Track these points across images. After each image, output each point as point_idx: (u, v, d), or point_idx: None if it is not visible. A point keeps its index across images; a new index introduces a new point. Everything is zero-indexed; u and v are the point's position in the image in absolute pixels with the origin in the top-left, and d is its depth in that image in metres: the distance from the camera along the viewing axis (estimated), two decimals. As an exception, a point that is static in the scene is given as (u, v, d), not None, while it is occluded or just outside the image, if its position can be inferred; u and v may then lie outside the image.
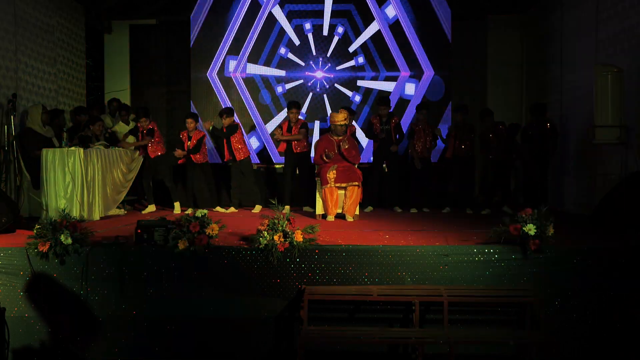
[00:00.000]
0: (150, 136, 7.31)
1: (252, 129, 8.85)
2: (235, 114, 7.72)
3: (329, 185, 6.34)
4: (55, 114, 7.15)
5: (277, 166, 8.62)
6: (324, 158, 6.48)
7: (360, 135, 8.30)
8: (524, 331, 4.11)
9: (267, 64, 8.77)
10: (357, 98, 8.69)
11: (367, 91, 8.73)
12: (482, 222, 5.88)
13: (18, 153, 6.55)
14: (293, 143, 7.49)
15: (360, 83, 8.74)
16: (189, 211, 4.35)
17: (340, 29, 8.71)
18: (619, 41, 6.09)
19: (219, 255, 4.26)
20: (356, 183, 6.36)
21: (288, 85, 8.79)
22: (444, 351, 4.01)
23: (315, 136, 8.58)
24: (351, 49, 8.71)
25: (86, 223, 4.54)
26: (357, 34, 8.70)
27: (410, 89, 8.67)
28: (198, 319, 4.26)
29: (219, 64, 8.79)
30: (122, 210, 7.13)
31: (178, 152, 7.46)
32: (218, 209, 7.54)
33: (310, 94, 8.79)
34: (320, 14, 8.74)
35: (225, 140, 7.54)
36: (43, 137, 6.61)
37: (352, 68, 8.74)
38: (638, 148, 5.60)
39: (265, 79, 8.80)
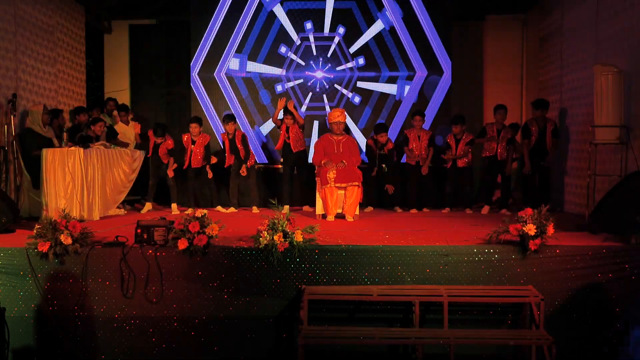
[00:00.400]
0: (172, 154, 7.42)
1: (251, 125, 8.84)
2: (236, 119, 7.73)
3: (329, 185, 6.35)
4: (54, 114, 7.15)
5: (277, 166, 8.62)
6: (324, 165, 6.49)
7: (358, 134, 8.30)
8: (524, 331, 4.11)
9: (267, 62, 8.76)
10: (357, 99, 8.69)
11: (367, 92, 8.73)
12: (482, 222, 5.89)
13: (18, 153, 6.56)
14: (292, 142, 7.49)
15: (360, 84, 8.73)
16: (189, 211, 4.35)
17: (341, 30, 8.70)
18: (619, 41, 6.09)
19: (219, 255, 4.26)
20: (356, 183, 6.36)
21: (288, 85, 8.79)
22: (444, 351, 4.01)
23: (314, 136, 8.59)
24: (352, 49, 8.71)
25: (86, 223, 4.54)
26: (358, 35, 8.69)
27: (405, 90, 8.68)
28: (198, 319, 4.26)
29: (219, 64, 8.78)
30: (122, 210, 7.14)
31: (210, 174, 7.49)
32: (219, 208, 7.55)
33: (310, 93, 8.79)
34: (321, 13, 8.73)
35: (229, 147, 7.54)
36: (43, 137, 6.61)
37: (352, 69, 8.73)
38: (638, 148, 5.60)
39: (264, 79, 8.80)
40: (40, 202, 6.02)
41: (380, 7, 8.64)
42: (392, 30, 8.66)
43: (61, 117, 7.35)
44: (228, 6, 8.75)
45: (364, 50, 8.69)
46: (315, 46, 8.75)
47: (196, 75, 8.79)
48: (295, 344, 4.05)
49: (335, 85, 8.75)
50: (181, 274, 4.26)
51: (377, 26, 8.66)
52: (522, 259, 4.21)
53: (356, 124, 8.65)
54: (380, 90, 8.69)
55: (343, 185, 6.37)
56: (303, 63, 8.76)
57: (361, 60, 8.70)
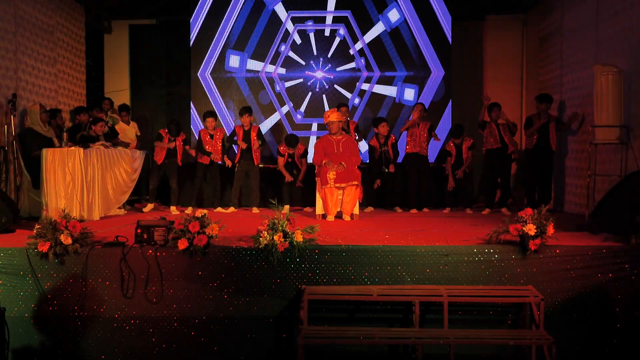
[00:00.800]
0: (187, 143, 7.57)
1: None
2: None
3: (328, 185, 6.35)
4: (53, 114, 7.15)
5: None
6: (324, 165, 6.50)
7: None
8: (524, 331, 4.11)
9: (267, 61, 8.76)
10: (357, 100, 8.69)
11: (367, 96, 8.72)
12: (482, 222, 5.89)
13: (18, 153, 6.55)
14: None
15: (360, 86, 8.73)
16: (189, 211, 4.35)
17: (342, 30, 8.71)
18: (619, 41, 6.09)
19: (219, 255, 4.26)
20: (355, 183, 6.36)
21: (287, 84, 8.79)
22: (444, 351, 4.02)
23: (312, 138, 8.62)
24: (352, 50, 8.71)
25: (86, 223, 4.53)
26: (360, 35, 8.69)
27: (409, 94, 8.67)
28: (198, 319, 4.26)
29: (219, 63, 8.78)
30: (122, 210, 7.14)
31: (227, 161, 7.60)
32: (219, 209, 7.55)
33: (310, 93, 8.79)
34: (323, 13, 8.73)
35: (242, 139, 7.55)
36: (43, 137, 6.61)
37: (352, 70, 8.73)
38: (638, 148, 5.60)
39: (264, 79, 8.79)
40: (40, 202, 6.02)
41: (382, 8, 8.64)
42: (393, 31, 8.66)
43: (59, 117, 7.34)
44: (229, 5, 8.76)
45: (364, 52, 8.69)
46: (316, 46, 8.75)
47: (197, 75, 8.79)
48: (295, 344, 4.05)
49: (335, 86, 8.75)
50: (181, 274, 4.26)
51: (378, 27, 8.66)
52: (522, 259, 4.21)
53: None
54: (381, 92, 8.69)
55: (343, 185, 6.37)
56: (303, 63, 8.76)
57: (362, 62, 8.70)
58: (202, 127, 7.94)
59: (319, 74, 8.76)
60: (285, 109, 8.78)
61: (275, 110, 8.81)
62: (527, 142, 7.39)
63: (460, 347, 4.06)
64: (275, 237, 4.12)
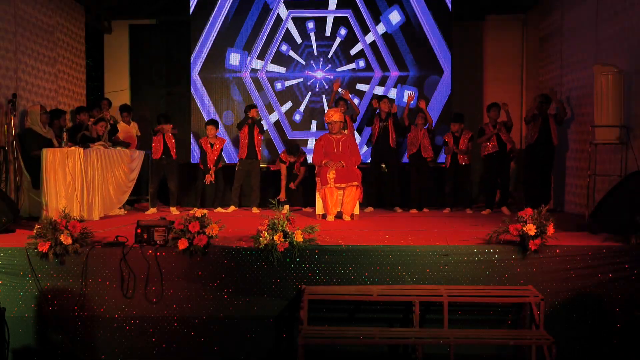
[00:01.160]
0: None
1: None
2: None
3: (328, 185, 6.35)
4: (56, 115, 7.15)
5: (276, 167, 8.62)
6: (324, 165, 6.50)
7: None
8: (524, 331, 4.11)
9: (267, 59, 8.76)
10: (356, 101, 8.69)
11: (367, 97, 8.72)
12: (482, 222, 5.89)
13: (18, 153, 6.55)
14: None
15: (360, 87, 8.73)
16: (193, 211, 4.34)
17: (342, 31, 8.71)
18: (619, 41, 6.09)
19: (219, 255, 4.26)
20: (355, 183, 6.36)
21: (287, 83, 8.79)
22: (444, 351, 4.01)
23: (313, 138, 8.63)
24: (353, 51, 8.71)
25: (86, 223, 4.53)
26: (360, 36, 8.69)
27: (404, 96, 8.67)
28: (198, 319, 4.26)
29: (219, 63, 8.79)
30: (122, 210, 7.14)
31: (208, 179, 7.61)
32: (219, 209, 7.56)
33: (309, 93, 8.79)
34: (324, 13, 8.72)
35: (247, 135, 7.57)
36: (43, 137, 6.61)
37: (352, 71, 8.73)
38: (638, 148, 5.60)
39: (264, 80, 8.79)
40: (40, 202, 6.02)
41: (383, 9, 8.63)
42: (393, 32, 8.66)
43: (62, 118, 7.34)
44: (229, 4, 8.75)
45: (364, 53, 8.68)
46: (317, 46, 8.75)
47: (196, 75, 8.79)
48: (295, 344, 4.05)
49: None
50: (181, 274, 4.26)
51: (379, 28, 8.65)
52: (522, 259, 4.21)
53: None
54: (380, 94, 8.68)
55: (342, 185, 6.37)
56: (304, 62, 8.76)
57: (362, 63, 8.70)
58: (203, 129, 7.97)
59: (319, 74, 8.76)
60: (284, 108, 8.78)
61: (274, 110, 8.81)
62: (528, 137, 7.38)
63: (460, 347, 4.06)
64: (275, 237, 4.12)
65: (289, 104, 8.78)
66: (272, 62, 8.77)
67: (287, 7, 8.73)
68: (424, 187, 7.64)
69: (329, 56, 8.73)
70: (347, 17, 8.69)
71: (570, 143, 7.39)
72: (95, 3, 8.85)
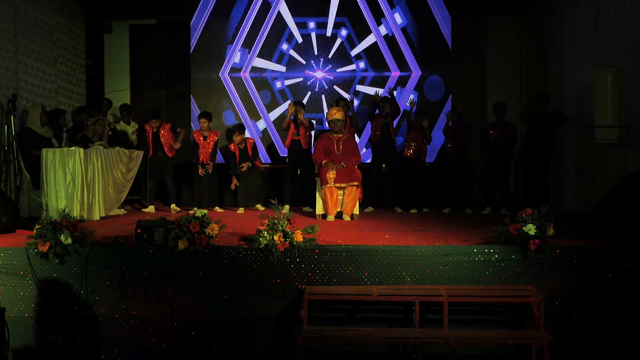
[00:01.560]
0: (176, 136, 7.50)
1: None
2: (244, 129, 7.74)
3: (328, 185, 6.35)
4: (56, 114, 7.15)
5: (279, 166, 8.62)
6: (324, 165, 6.50)
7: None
8: (524, 331, 4.11)
9: (267, 58, 8.77)
10: (355, 103, 8.70)
11: (366, 97, 8.72)
12: (482, 222, 5.89)
13: (18, 153, 6.55)
14: (302, 139, 7.51)
15: (359, 88, 8.74)
16: (193, 210, 4.34)
17: (343, 32, 8.71)
18: (619, 41, 6.09)
19: (219, 255, 4.26)
20: (355, 183, 6.36)
21: (287, 82, 8.79)
22: (444, 351, 4.01)
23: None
24: (353, 52, 8.71)
25: (86, 223, 4.53)
26: (361, 37, 8.69)
27: (404, 98, 8.68)
28: (198, 319, 4.25)
29: (219, 63, 8.79)
30: (122, 210, 7.14)
31: (201, 171, 7.54)
32: (217, 209, 7.56)
33: (309, 93, 8.79)
34: (325, 14, 8.73)
35: (238, 156, 7.58)
36: (42, 137, 6.61)
37: (352, 71, 8.73)
38: (638, 148, 5.60)
39: (264, 79, 8.80)
40: (40, 202, 6.02)
41: (384, 10, 8.63)
42: (394, 32, 8.66)
43: (62, 118, 7.35)
44: (229, 4, 8.76)
45: (365, 54, 8.69)
46: (317, 45, 8.75)
47: (196, 75, 8.80)
48: (295, 344, 4.05)
49: (335, 87, 8.76)
50: (181, 274, 4.25)
51: (380, 29, 8.66)
52: (522, 259, 4.20)
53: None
54: (383, 95, 8.68)
55: (343, 185, 6.37)
56: (304, 62, 8.76)
57: (362, 64, 8.70)
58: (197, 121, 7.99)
59: (319, 74, 8.76)
60: (283, 107, 8.78)
61: (274, 109, 8.81)
62: (525, 138, 7.38)
63: (460, 347, 4.05)
64: (275, 237, 4.12)
65: (288, 103, 8.79)
66: (272, 61, 8.77)
67: (289, 8, 8.73)
68: (421, 187, 7.64)
69: (330, 56, 8.73)
70: (348, 18, 8.69)
71: (570, 143, 7.39)
72: (95, 3, 8.85)
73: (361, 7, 8.68)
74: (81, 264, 4.24)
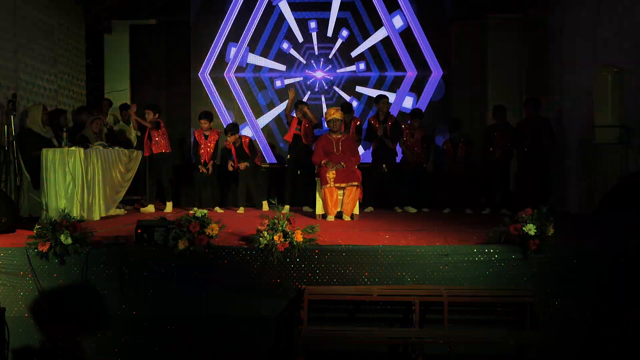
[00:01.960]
0: (156, 127, 7.37)
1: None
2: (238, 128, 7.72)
3: (328, 185, 6.35)
4: (56, 114, 7.15)
5: (281, 166, 8.63)
6: (324, 165, 6.50)
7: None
8: (524, 331, 4.11)
9: (268, 57, 8.77)
10: (355, 104, 8.70)
11: (366, 99, 8.73)
12: (482, 222, 5.88)
13: (18, 153, 6.55)
14: (302, 135, 7.50)
15: (359, 89, 8.74)
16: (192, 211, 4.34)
17: (344, 33, 8.71)
18: (619, 41, 6.09)
19: (219, 255, 4.26)
20: (355, 183, 6.36)
21: (287, 81, 8.79)
22: (444, 351, 4.01)
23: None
24: (354, 54, 8.71)
25: (86, 223, 4.54)
26: (362, 39, 8.69)
27: (408, 102, 8.68)
28: (198, 319, 4.25)
29: (219, 62, 8.79)
30: (122, 210, 7.14)
31: (201, 169, 7.51)
32: (217, 209, 7.56)
33: (308, 92, 8.79)
34: (326, 14, 8.72)
35: (237, 158, 7.54)
36: (42, 137, 6.61)
37: (353, 72, 8.73)
38: (638, 148, 5.60)
39: (264, 78, 8.80)
40: (40, 202, 6.02)
41: (386, 13, 8.64)
42: (394, 33, 8.66)
43: (62, 118, 7.34)
44: (230, 3, 8.76)
45: (365, 55, 8.69)
46: (318, 46, 8.75)
47: (196, 75, 8.80)
48: (296, 344, 4.05)
49: (334, 88, 8.76)
50: (181, 274, 4.25)
51: (381, 32, 8.66)
52: (522, 259, 4.20)
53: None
54: (380, 94, 8.68)
55: (342, 185, 6.37)
56: (304, 61, 8.76)
57: (362, 66, 8.70)
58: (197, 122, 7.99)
59: (319, 74, 8.76)
60: (282, 106, 8.78)
61: (274, 108, 8.81)
62: (519, 145, 7.35)
63: (460, 347, 4.05)
64: (275, 237, 4.13)
65: (285, 103, 8.79)
66: (273, 60, 8.77)
67: (291, 7, 8.72)
68: (424, 187, 7.64)
69: (330, 57, 8.73)
70: (349, 18, 8.69)
71: (570, 143, 7.39)
72: (95, 3, 8.85)
73: (362, 8, 8.68)
74: (81, 264, 4.24)
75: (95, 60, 9.46)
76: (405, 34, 8.68)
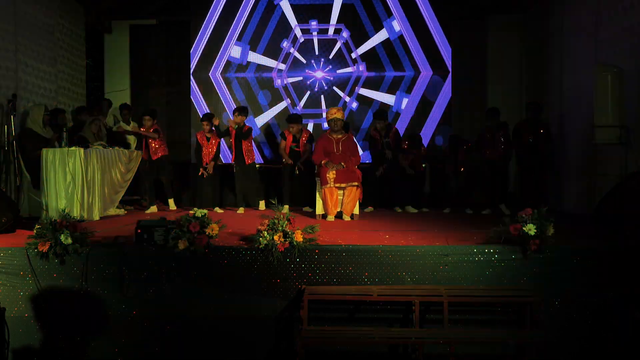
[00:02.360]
0: (156, 134, 7.41)
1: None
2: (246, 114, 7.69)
3: (328, 185, 6.35)
4: (54, 114, 7.15)
5: (277, 166, 8.62)
6: (324, 165, 6.50)
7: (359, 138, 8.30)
8: (524, 331, 4.11)
9: (268, 56, 8.77)
10: (354, 105, 8.70)
11: (365, 100, 8.73)
12: (482, 222, 5.88)
13: (18, 153, 6.55)
14: (301, 150, 7.52)
15: (359, 90, 8.73)
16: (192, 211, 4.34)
17: (345, 34, 8.71)
18: (619, 41, 6.09)
19: (219, 255, 4.26)
20: (355, 183, 6.36)
21: (287, 80, 8.79)
22: (444, 351, 4.01)
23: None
24: (354, 55, 8.71)
25: (86, 223, 4.54)
26: (362, 40, 8.69)
27: (403, 103, 8.67)
28: (198, 319, 4.25)
29: (220, 62, 8.79)
30: (122, 210, 7.14)
31: (202, 172, 7.52)
32: (217, 209, 7.57)
33: (308, 92, 8.79)
34: (327, 14, 8.72)
35: (234, 142, 7.51)
36: (42, 137, 6.61)
37: (352, 73, 8.73)
38: (638, 148, 5.60)
39: (264, 78, 8.80)
40: (40, 202, 6.02)
41: (388, 14, 8.63)
42: (394, 34, 8.66)
43: (61, 117, 7.35)
44: (230, 2, 8.76)
45: (366, 56, 8.68)
46: (318, 46, 8.75)
47: (196, 75, 8.80)
48: (296, 344, 4.05)
49: (334, 88, 8.75)
50: (181, 274, 4.25)
51: (382, 34, 8.65)
52: (522, 259, 4.20)
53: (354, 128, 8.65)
54: (380, 100, 8.69)
55: (343, 185, 6.37)
56: (304, 61, 8.76)
57: (362, 67, 8.70)
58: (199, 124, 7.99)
59: (319, 74, 8.76)
60: (282, 105, 8.79)
61: (273, 106, 8.81)
62: (517, 148, 7.35)
63: (460, 347, 4.05)
64: (275, 237, 4.12)
65: (287, 101, 8.79)
66: (272, 59, 8.76)
67: (292, 6, 8.72)
68: (418, 189, 7.66)
69: (330, 57, 8.73)
70: (350, 19, 8.68)
71: (570, 143, 7.39)
72: (95, 3, 8.86)
73: (363, 9, 8.67)
74: (81, 264, 4.24)
75: (95, 60, 9.46)
76: (407, 32, 8.67)
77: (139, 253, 4.26)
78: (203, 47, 8.79)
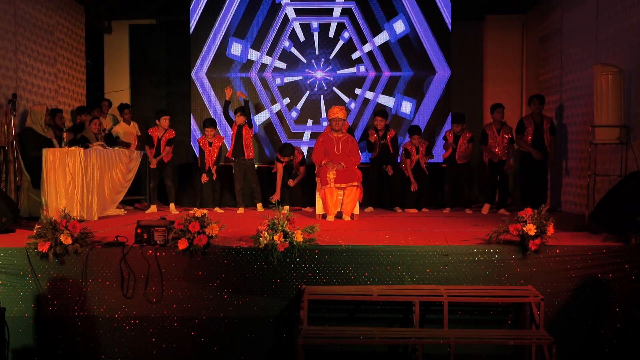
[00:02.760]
0: (171, 144, 7.50)
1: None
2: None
3: (328, 185, 6.35)
4: (52, 114, 7.15)
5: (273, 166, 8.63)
6: (324, 165, 6.50)
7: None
8: (524, 331, 4.11)
9: (268, 55, 8.76)
10: (353, 105, 8.69)
11: (365, 101, 8.73)
12: (482, 222, 5.89)
13: (18, 153, 6.56)
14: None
15: (358, 91, 8.73)
16: (193, 211, 4.34)
17: (346, 34, 8.70)
18: (619, 41, 6.09)
19: (219, 255, 4.26)
20: (355, 184, 6.36)
21: (287, 80, 8.79)
22: (444, 351, 4.01)
23: (307, 137, 8.65)
24: (354, 56, 8.70)
25: (86, 223, 4.53)
26: (364, 40, 8.68)
27: (406, 107, 8.67)
28: (198, 319, 4.26)
29: (219, 62, 8.79)
30: (122, 210, 7.14)
31: (204, 178, 7.59)
32: (217, 209, 7.57)
33: (308, 92, 8.78)
34: (328, 14, 8.72)
35: (235, 136, 7.52)
36: (42, 137, 6.61)
37: (353, 73, 8.72)
38: (638, 148, 5.60)
39: (264, 77, 8.79)
40: (40, 202, 6.02)
41: (389, 15, 8.62)
42: (395, 34, 8.65)
43: (58, 117, 7.35)
44: (230, 2, 8.76)
45: (366, 56, 8.68)
46: (319, 46, 8.74)
47: (196, 75, 8.80)
48: (295, 344, 4.05)
49: (334, 88, 8.75)
50: (181, 274, 4.26)
51: (383, 36, 8.65)
52: (522, 259, 4.21)
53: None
54: (379, 102, 8.69)
55: (343, 185, 6.37)
56: (305, 60, 8.75)
57: (362, 68, 8.69)
58: (202, 131, 8.00)
59: (319, 74, 8.76)
60: (281, 104, 8.78)
61: (272, 105, 8.80)
62: (520, 144, 7.34)
63: (460, 347, 4.05)
64: (275, 237, 4.12)
65: (286, 100, 8.79)
66: (272, 58, 8.76)
67: (294, 6, 8.71)
68: (423, 187, 7.64)
69: (330, 57, 8.72)
70: (351, 20, 8.67)
71: (570, 143, 7.39)
72: (95, 3, 8.85)
73: (363, 9, 8.67)
74: (81, 264, 4.24)
75: (95, 60, 9.47)
76: (407, 32, 8.67)
77: (139, 253, 4.26)
78: (203, 46, 8.78)
